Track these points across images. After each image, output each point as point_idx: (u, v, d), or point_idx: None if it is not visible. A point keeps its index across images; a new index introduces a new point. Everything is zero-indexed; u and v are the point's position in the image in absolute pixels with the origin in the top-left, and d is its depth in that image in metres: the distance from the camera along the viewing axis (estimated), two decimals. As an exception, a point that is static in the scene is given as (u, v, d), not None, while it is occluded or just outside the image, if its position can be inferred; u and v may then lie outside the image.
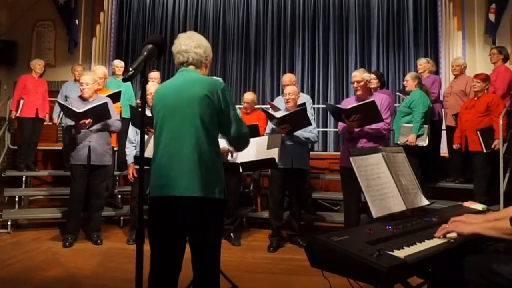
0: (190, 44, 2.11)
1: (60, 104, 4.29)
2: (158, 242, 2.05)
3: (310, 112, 4.88)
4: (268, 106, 5.97)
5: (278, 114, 4.19)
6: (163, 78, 6.25)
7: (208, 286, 2.05)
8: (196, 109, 2.00)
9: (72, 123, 4.23)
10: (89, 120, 4.15)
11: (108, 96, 4.65)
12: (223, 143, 2.27)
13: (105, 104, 4.15)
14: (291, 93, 4.31)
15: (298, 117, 4.08)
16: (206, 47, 2.17)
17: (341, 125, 3.99)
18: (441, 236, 1.78)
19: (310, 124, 4.16)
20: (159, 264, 2.04)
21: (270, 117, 4.28)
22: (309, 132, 4.26)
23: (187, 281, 2.10)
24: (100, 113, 4.19)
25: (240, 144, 2.24)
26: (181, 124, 2.00)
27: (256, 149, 3.61)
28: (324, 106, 8.02)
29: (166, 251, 2.05)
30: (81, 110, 4.07)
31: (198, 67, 2.15)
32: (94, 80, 4.39)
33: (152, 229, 2.05)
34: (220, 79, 2.35)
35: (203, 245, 2.02)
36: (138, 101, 5.37)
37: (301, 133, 4.22)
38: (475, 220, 1.82)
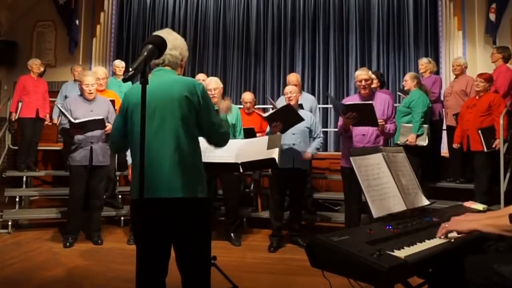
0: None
1: (60, 110, 4.22)
2: (143, 245, 2.01)
3: (317, 115, 4.89)
4: (270, 106, 5.98)
5: (266, 114, 4.19)
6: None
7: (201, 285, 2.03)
8: (176, 109, 1.99)
9: (67, 126, 4.16)
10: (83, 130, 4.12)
11: None
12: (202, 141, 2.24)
13: (102, 120, 4.12)
14: (292, 91, 4.32)
15: (286, 114, 4.02)
16: (182, 48, 2.15)
17: (340, 124, 3.99)
18: (442, 236, 1.78)
19: (302, 120, 4.11)
20: (145, 267, 2.01)
21: (263, 118, 4.26)
22: (317, 139, 4.35)
23: (175, 281, 2.08)
24: (96, 125, 4.15)
25: (219, 142, 2.22)
26: (161, 125, 1.99)
27: (257, 149, 3.61)
28: (324, 106, 8.03)
29: (152, 254, 2.02)
30: (77, 121, 4.01)
31: (174, 68, 2.14)
32: (95, 80, 4.39)
33: (136, 231, 2.03)
34: (201, 78, 2.33)
35: (189, 246, 2.01)
36: None
37: (314, 146, 4.32)
38: (474, 218, 1.83)
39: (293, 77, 4.95)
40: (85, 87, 4.28)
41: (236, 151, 3.61)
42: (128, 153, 4.28)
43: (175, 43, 2.13)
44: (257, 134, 4.82)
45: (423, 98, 4.72)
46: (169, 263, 2.08)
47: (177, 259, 2.04)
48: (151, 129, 1.99)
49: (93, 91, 4.29)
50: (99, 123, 4.14)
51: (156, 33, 2.12)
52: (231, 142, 2.56)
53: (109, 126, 4.24)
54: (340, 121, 3.96)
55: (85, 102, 4.29)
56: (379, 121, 3.68)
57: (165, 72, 2.11)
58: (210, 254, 2.12)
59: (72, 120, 4.02)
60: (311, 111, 4.72)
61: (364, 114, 3.64)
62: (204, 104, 2.06)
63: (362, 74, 3.90)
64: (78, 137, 4.20)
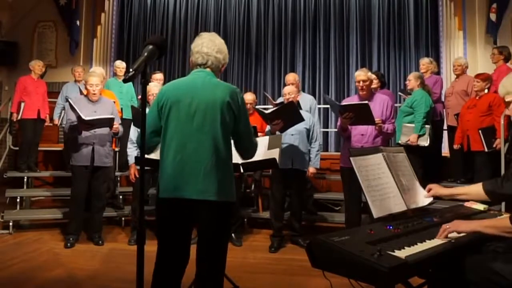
0: (212, 47, 2.10)
1: (70, 105, 4.20)
2: (168, 243, 2.04)
3: (316, 115, 4.88)
4: (270, 106, 5.97)
5: (269, 110, 4.19)
6: (166, 78, 6.25)
7: (214, 286, 2.05)
8: (218, 113, 1.99)
9: (74, 123, 4.16)
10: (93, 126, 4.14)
11: None
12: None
13: (112, 119, 4.15)
14: (290, 92, 4.32)
15: (288, 111, 4.02)
16: (226, 54, 2.17)
17: (339, 124, 4.00)
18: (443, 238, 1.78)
19: (303, 120, 4.10)
20: (165, 265, 2.04)
21: (263, 115, 4.25)
22: (315, 143, 4.35)
23: (187, 280, 2.10)
24: (105, 123, 4.17)
25: (248, 154, 2.24)
26: (200, 126, 1.99)
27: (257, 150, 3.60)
28: (325, 106, 8.02)
29: (176, 252, 2.05)
30: (88, 119, 4.01)
31: (215, 71, 2.14)
32: (101, 81, 4.39)
33: (163, 230, 2.05)
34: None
35: (214, 247, 2.03)
36: (139, 97, 5.38)
37: (314, 153, 4.34)
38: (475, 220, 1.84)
39: (291, 77, 4.96)
40: (89, 87, 4.28)
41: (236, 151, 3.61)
42: (130, 153, 4.35)
43: (221, 47, 2.14)
44: (258, 134, 4.81)
45: (426, 98, 4.71)
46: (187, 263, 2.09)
47: (197, 258, 2.05)
48: (189, 129, 2.00)
49: (97, 92, 4.29)
50: (107, 122, 4.15)
51: (202, 34, 2.17)
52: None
53: (116, 126, 4.26)
54: (339, 121, 3.97)
55: (89, 103, 4.29)
56: (376, 120, 3.69)
57: (206, 74, 2.10)
58: (226, 256, 2.13)
59: (83, 117, 3.99)
60: (309, 111, 4.72)
61: (360, 114, 3.66)
62: (243, 111, 2.08)
63: (360, 75, 3.90)
64: (85, 133, 4.20)
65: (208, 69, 2.12)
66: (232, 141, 2.14)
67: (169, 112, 2.03)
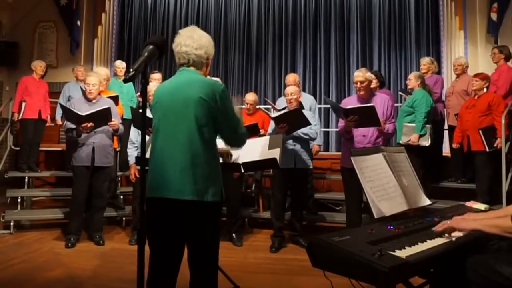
0: (191, 45, 2.06)
1: (62, 106, 4.24)
2: (155, 243, 2.04)
3: (316, 115, 4.86)
4: (270, 106, 5.97)
5: (273, 115, 4.19)
6: (165, 79, 6.25)
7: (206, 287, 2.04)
8: (191, 111, 1.97)
9: (73, 126, 4.17)
10: (91, 124, 4.10)
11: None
12: (222, 144, 2.26)
13: (108, 109, 4.13)
14: (293, 93, 4.30)
15: (294, 117, 4.04)
16: (208, 47, 2.11)
17: (341, 125, 3.99)
18: (443, 235, 1.77)
19: (310, 124, 4.12)
20: (157, 266, 2.04)
21: (270, 117, 4.28)
22: (308, 129, 4.23)
23: (184, 281, 2.09)
24: (102, 117, 4.15)
25: (237, 143, 2.22)
26: (175, 125, 1.99)
27: (258, 150, 3.61)
28: (327, 106, 8.02)
29: (164, 252, 2.04)
30: (84, 114, 4.02)
31: (199, 68, 2.12)
32: (99, 81, 4.38)
33: (150, 229, 2.05)
34: (219, 81, 2.33)
35: (199, 247, 2.01)
36: (138, 94, 5.37)
37: (300, 129, 4.19)
38: (476, 217, 1.83)
39: (291, 78, 4.95)
40: (86, 86, 4.32)
41: (237, 151, 3.61)
42: (130, 153, 4.35)
43: (201, 42, 2.09)
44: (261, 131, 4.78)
45: (427, 98, 4.71)
46: (180, 263, 2.08)
47: (187, 259, 2.05)
48: (168, 130, 2.00)
49: (93, 91, 4.29)
50: (105, 115, 4.12)
51: (180, 32, 2.11)
52: None
53: (114, 121, 4.26)
54: (341, 122, 3.96)
55: (87, 103, 4.30)
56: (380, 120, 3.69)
57: (188, 72, 2.09)
58: (217, 256, 2.10)
59: (79, 113, 4.00)
60: (309, 111, 4.71)
61: (365, 116, 3.65)
62: (222, 106, 2.02)
63: (358, 76, 3.89)
64: (85, 134, 4.20)
65: (191, 68, 2.10)
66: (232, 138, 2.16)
67: (155, 113, 2.08)
